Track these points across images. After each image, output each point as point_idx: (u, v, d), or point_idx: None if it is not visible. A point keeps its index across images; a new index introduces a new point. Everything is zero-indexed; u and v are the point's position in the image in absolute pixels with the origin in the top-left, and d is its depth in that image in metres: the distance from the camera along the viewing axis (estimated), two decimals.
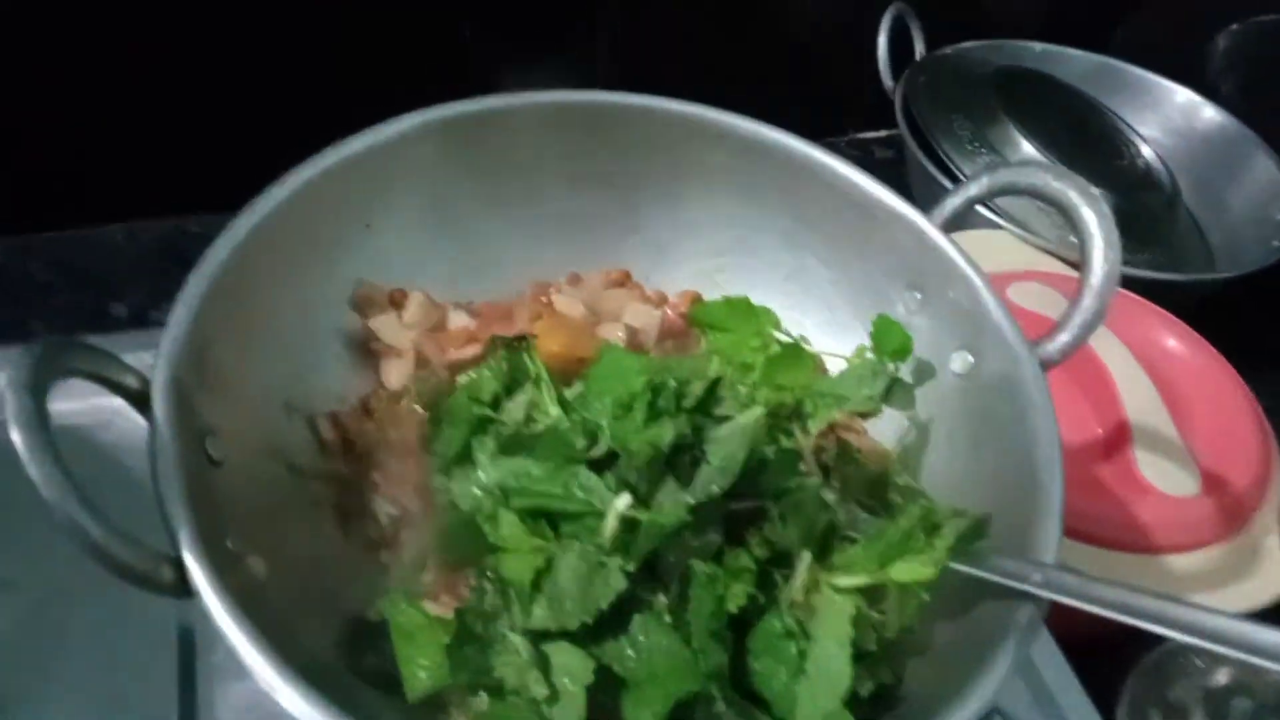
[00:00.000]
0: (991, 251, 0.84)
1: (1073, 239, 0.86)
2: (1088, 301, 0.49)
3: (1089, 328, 0.49)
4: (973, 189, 0.53)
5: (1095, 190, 0.49)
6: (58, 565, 0.55)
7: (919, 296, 0.55)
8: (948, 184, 0.90)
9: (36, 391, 0.36)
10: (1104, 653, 0.63)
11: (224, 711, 0.53)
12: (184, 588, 0.38)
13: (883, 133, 1.15)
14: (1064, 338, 0.49)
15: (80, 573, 0.55)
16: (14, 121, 0.82)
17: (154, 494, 0.40)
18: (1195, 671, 0.68)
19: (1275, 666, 0.35)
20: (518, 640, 0.43)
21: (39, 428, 0.35)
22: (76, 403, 0.53)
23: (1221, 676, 0.67)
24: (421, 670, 0.44)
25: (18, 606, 0.55)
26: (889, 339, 0.54)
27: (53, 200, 0.89)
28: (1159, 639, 0.67)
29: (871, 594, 0.46)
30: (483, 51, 0.92)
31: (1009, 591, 0.42)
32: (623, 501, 0.43)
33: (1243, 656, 0.36)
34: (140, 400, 0.42)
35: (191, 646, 0.56)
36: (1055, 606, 0.42)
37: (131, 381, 0.42)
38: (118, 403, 0.62)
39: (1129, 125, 1.01)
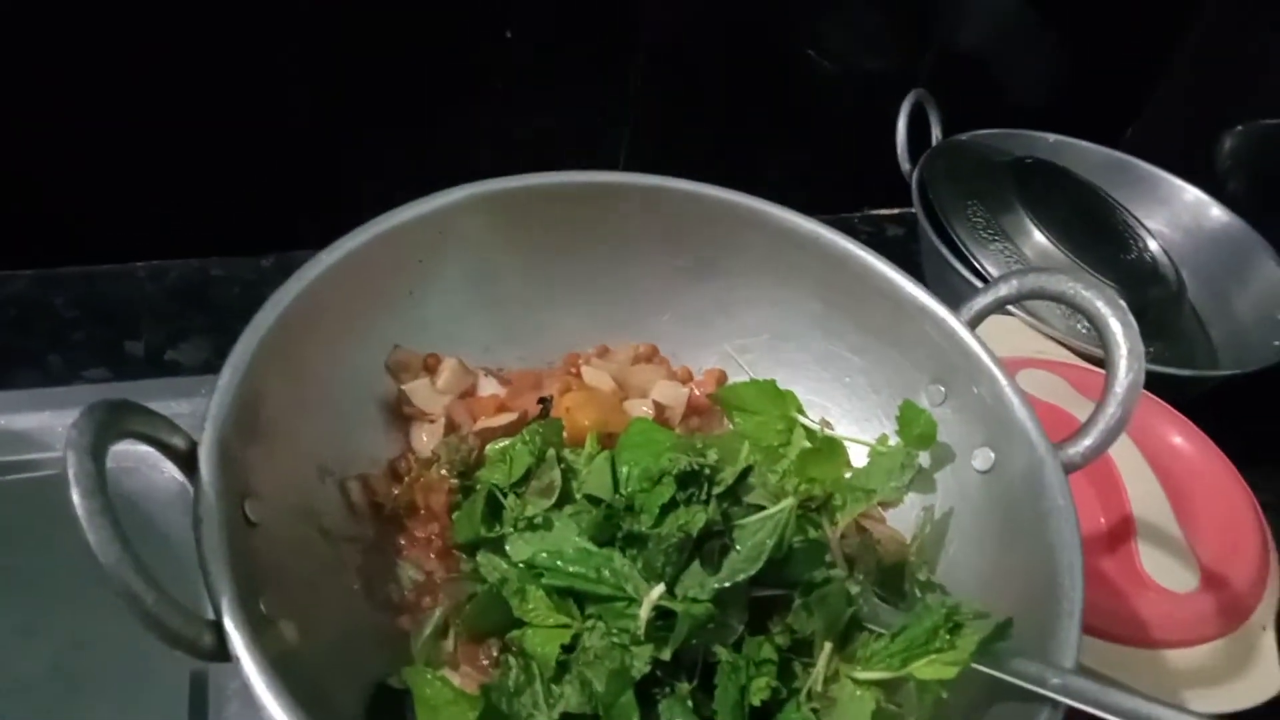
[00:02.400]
0: (999, 337, 0.85)
1: (1081, 329, 0.89)
2: (1112, 409, 0.50)
3: (1113, 434, 0.50)
4: (1002, 290, 0.55)
5: (1123, 302, 0.50)
6: (78, 615, 0.56)
7: (943, 390, 0.57)
8: (960, 268, 0.92)
9: (97, 455, 0.37)
10: None
11: None
12: (223, 652, 0.38)
13: (895, 210, 1.18)
14: (1087, 443, 0.51)
15: (99, 623, 0.56)
16: (45, 157, 0.83)
17: (197, 557, 0.40)
18: None
19: None
20: None
21: (98, 492, 0.36)
22: None
23: None
24: None
25: (40, 653, 0.55)
26: (914, 424, 0.56)
27: (79, 235, 0.90)
28: None
29: (889, 686, 0.47)
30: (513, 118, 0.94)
31: (1026, 694, 0.43)
32: (657, 592, 0.43)
33: None
34: (185, 460, 0.43)
35: (203, 696, 0.56)
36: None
37: (179, 443, 0.43)
38: (143, 450, 0.63)
39: (1138, 220, 1.03)
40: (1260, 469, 0.80)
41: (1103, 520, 0.74)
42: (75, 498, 0.36)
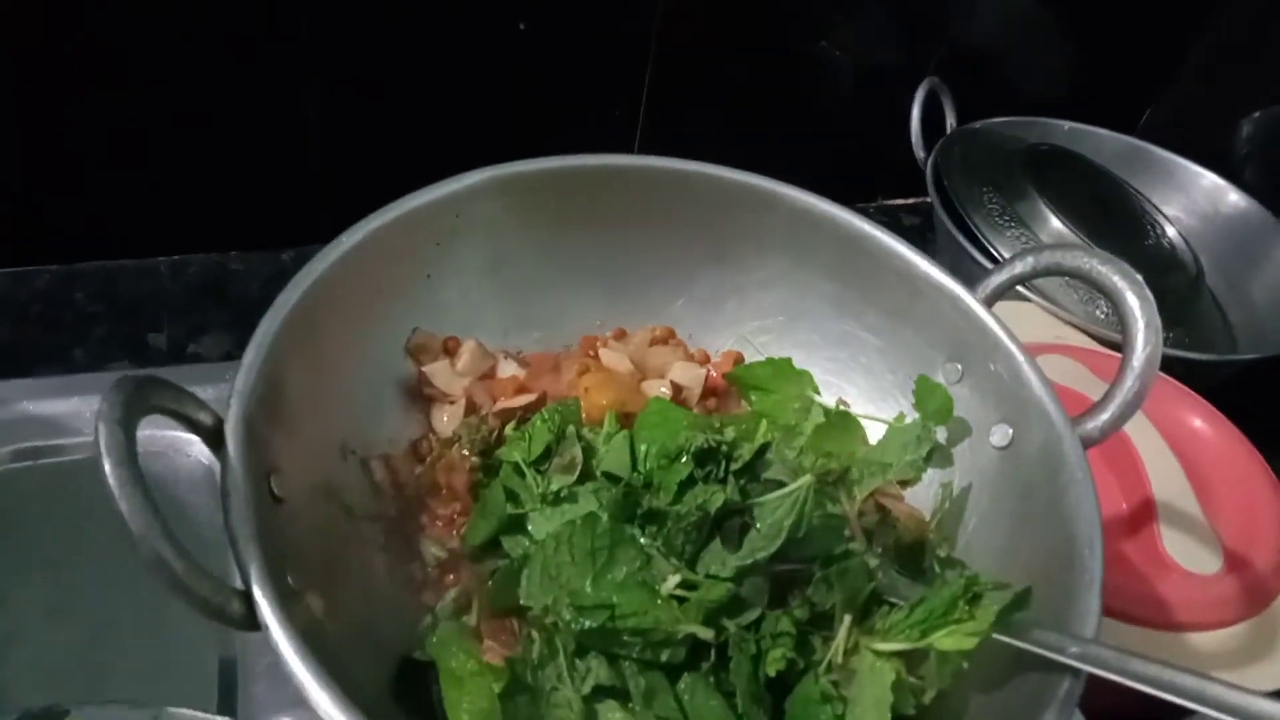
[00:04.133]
0: (1017, 322, 0.85)
1: (1099, 314, 0.89)
2: (1129, 383, 0.50)
3: (1130, 408, 0.50)
4: (1018, 267, 0.55)
5: (1139, 276, 0.50)
6: (105, 598, 0.57)
7: (960, 368, 0.57)
8: (977, 254, 0.92)
9: (127, 426, 0.38)
10: None
11: None
12: (252, 621, 0.39)
13: (910, 200, 1.18)
14: (1105, 417, 0.51)
15: (126, 606, 0.57)
16: (68, 156, 0.84)
17: (225, 529, 0.41)
18: None
19: None
20: (570, 696, 0.43)
21: (129, 461, 0.37)
22: None
23: None
24: (467, 716, 0.44)
25: (71, 636, 0.56)
26: (930, 399, 0.56)
27: (101, 232, 0.91)
28: (1177, 716, 0.68)
29: (910, 658, 0.47)
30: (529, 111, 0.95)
31: (1046, 663, 0.43)
32: (671, 583, 0.44)
33: None
34: (212, 436, 0.44)
35: (232, 679, 0.56)
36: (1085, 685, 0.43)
37: (206, 419, 0.44)
38: (171, 435, 0.64)
39: (1155, 206, 1.03)
40: None
41: (1124, 503, 0.74)
42: (107, 467, 0.36)
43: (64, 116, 0.82)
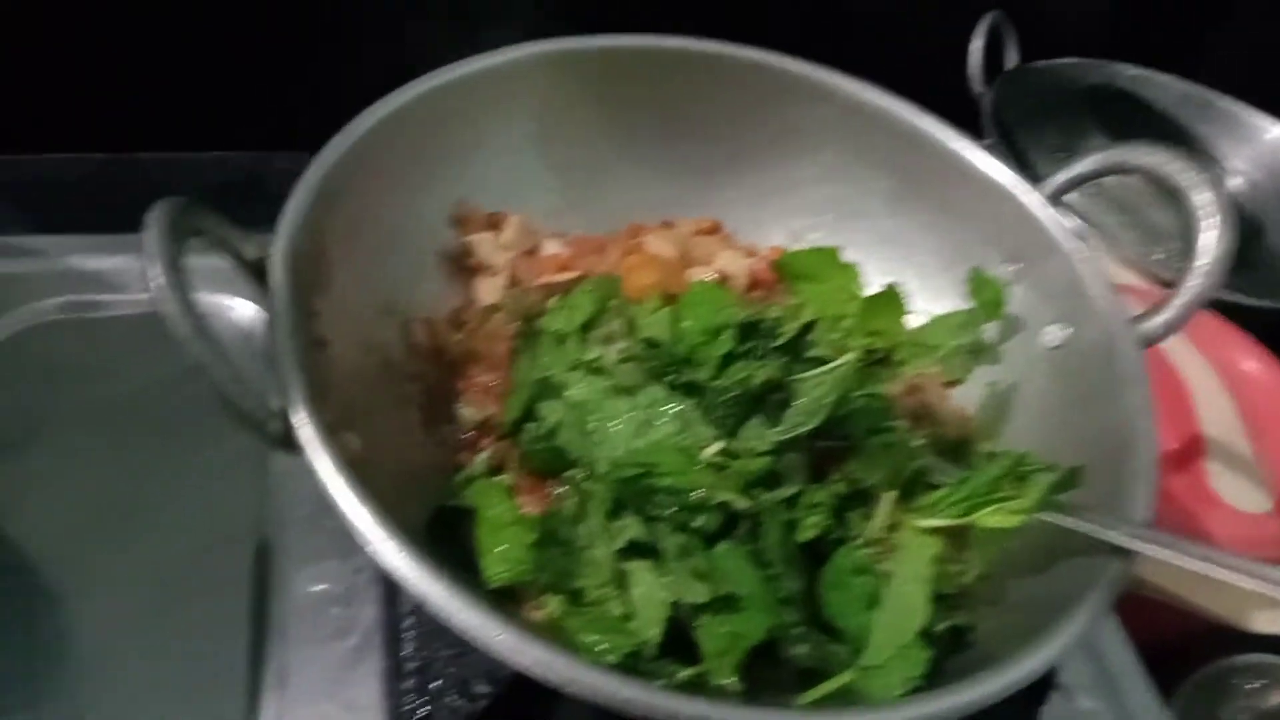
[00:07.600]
0: None
1: (1157, 255, 0.87)
2: (1194, 281, 0.48)
3: (1192, 308, 0.49)
4: (1082, 166, 0.53)
5: (1209, 173, 0.48)
6: (147, 448, 0.58)
7: (1016, 267, 0.55)
8: None
9: (175, 235, 0.37)
10: (1157, 665, 0.62)
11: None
12: (290, 441, 0.39)
13: None
14: (1166, 315, 0.49)
15: (165, 459, 0.57)
16: (119, 48, 0.84)
17: (268, 352, 0.41)
18: (1247, 693, 0.67)
19: None
20: (602, 555, 0.43)
21: (173, 269, 0.37)
22: None
23: (1274, 698, 0.67)
24: (501, 561, 0.44)
25: (107, 480, 0.56)
26: (984, 291, 0.55)
27: (151, 123, 0.91)
28: (1213, 656, 0.67)
29: (954, 541, 0.46)
30: None
31: (1094, 547, 0.42)
32: (712, 450, 0.43)
33: None
34: (256, 269, 0.44)
35: (268, 528, 0.56)
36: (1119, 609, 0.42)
37: (251, 250, 0.43)
38: (214, 299, 0.64)
39: (1217, 157, 1.00)
40: None
41: (1173, 441, 0.72)
42: (152, 271, 0.36)
43: (115, 13, 0.82)
